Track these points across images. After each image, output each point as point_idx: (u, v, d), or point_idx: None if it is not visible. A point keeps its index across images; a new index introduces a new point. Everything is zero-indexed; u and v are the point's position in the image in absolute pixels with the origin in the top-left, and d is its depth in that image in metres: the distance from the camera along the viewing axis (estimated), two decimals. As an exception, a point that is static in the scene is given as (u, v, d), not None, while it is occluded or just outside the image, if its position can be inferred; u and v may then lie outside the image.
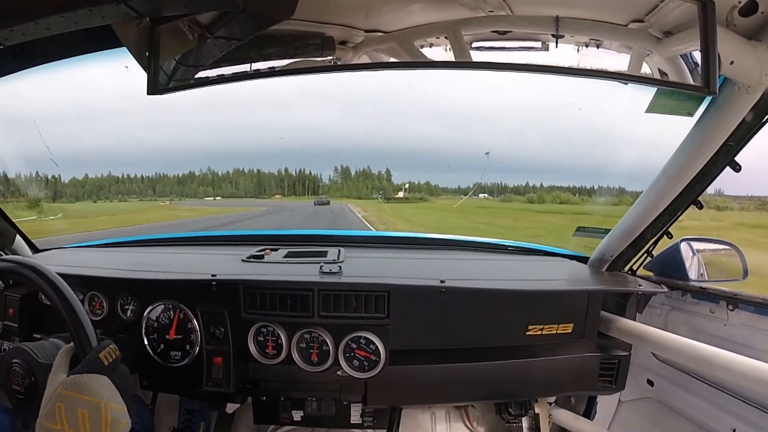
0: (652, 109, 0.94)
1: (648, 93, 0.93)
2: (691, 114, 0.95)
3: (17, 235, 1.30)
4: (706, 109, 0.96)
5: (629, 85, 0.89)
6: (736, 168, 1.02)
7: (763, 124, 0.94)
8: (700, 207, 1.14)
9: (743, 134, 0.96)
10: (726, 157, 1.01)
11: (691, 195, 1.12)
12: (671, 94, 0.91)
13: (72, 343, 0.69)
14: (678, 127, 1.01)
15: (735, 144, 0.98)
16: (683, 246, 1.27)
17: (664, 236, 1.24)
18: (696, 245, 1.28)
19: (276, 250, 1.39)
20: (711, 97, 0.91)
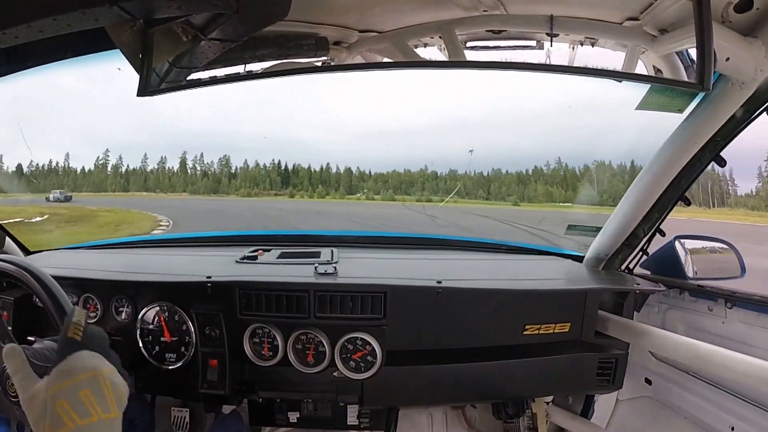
0: (642, 106, 0.94)
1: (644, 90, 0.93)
2: (681, 111, 0.95)
3: (7, 238, 1.30)
4: (697, 105, 0.95)
5: (623, 82, 0.89)
6: (722, 163, 1.03)
7: (751, 120, 0.94)
8: (688, 203, 1.14)
9: (731, 130, 0.97)
10: (712, 152, 1.02)
11: (677, 191, 1.12)
12: (664, 91, 0.91)
13: (11, 344, 0.65)
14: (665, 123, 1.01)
15: (722, 139, 0.99)
16: (677, 244, 1.26)
17: (657, 234, 1.24)
18: (689, 243, 1.28)
19: (268, 250, 1.38)
20: (704, 93, 0.91)
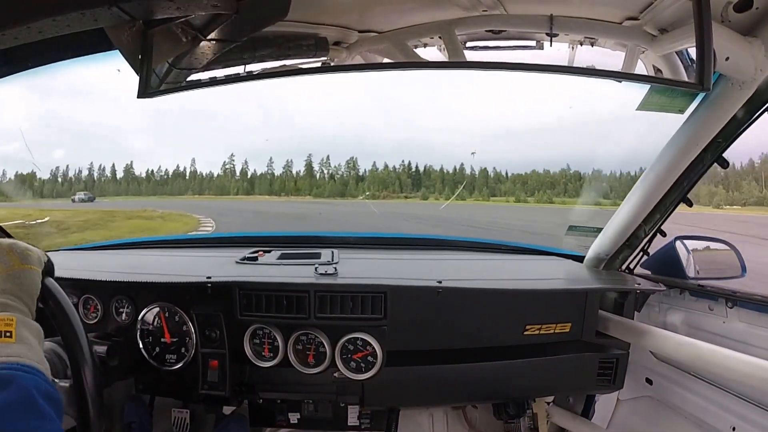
0: (643, 106, 0.94)
1: (643, 90, 0.93)
2: (682, 111, 0.95)
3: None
4: (698, 106, 0.96)
5: (623, 83, 0.88)
6: (724, 164, 1.03)
7: (753, 121, 0.94)
8: (690, 204, 1.15)
9: (733, 130, 0.97)
10: (714, 153, 1.02)
11: (679, 192, 1.12)
12: (664, 91, 0.91)
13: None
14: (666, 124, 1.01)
15: (724, 140, 0.99)
16: (678, 244, 1.26)
17: (658, 234, 1.24)
18: (690, 243, 1.28)
19: (269, 251, 1.38)
20: (704, 94, 0.91)
